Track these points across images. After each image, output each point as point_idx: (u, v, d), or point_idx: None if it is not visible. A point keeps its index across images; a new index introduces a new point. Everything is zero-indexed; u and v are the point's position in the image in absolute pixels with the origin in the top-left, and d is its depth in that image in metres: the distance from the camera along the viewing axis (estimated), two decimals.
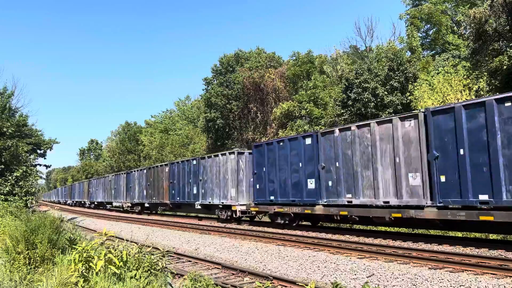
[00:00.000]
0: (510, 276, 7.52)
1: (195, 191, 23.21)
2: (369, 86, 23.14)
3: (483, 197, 10.04)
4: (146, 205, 30.06)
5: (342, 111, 24.69)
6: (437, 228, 12.83)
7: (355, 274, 8.54)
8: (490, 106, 10.06)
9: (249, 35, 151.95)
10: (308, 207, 15.22)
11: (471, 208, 10.35)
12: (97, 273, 5.94)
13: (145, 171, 30.95)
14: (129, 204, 33.25)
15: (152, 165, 30.78)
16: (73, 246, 7.10)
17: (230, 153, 20.69)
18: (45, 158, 40.58)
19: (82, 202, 52.82)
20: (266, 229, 17.10)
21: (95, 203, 45.43)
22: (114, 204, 37.59)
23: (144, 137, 56.74)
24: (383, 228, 15.03)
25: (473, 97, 19.41)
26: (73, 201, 60.51)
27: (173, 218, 26.92)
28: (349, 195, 13.88)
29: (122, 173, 36.34)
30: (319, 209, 14.76)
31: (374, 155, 13.02)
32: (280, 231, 16.17)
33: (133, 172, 33.32)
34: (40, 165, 35.47)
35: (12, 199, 22.34)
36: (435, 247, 10.86)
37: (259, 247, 12.41)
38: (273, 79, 35.57)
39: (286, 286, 7.89)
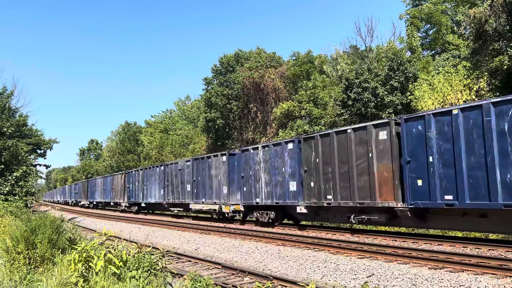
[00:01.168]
0: (510, 276, 7.51)
1: None
2: (369, 86, 23.14)
3: None
4: (301, 210, 15.56)
5: (342, 111, 24.69)
6: None
7: (355, 274, 8.54)
8: None
9: (249, 35, 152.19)
10: None
11: None
12: (97, 273, 5.94)
13: (289, 146, 16.22)
14: (241, 208, 19.03)
15: (323, 131, 16.69)
16: (73, 246, 7.11)
17: None
18: (45, 158, 40.46)
19: (112, 204, 37.93)
20: (266, 229, 16.30)
21: (142, 205, 30.70)
22: (196, 207, 22.49)
23: (144, 137, 56.75)
24: (383, 228, 15.02)
25: (474, 97, 19.42)
26: (91, 202, 46.31)
27: None
28: None
29: (216, 155, 21.32)
30: None
31: None
32: (280, 231, 16.14)
33: (251, 151, 18.64)
34: (40, 165, 35.66)
35: (12, 199, 22.42)
36: (435, 247, 10.86)
37: (259, 247, 12.40)
38: (273, 79, 35.59)
39: (286, 286, 7.89)
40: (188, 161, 24.22)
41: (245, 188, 18.89)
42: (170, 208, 26.28)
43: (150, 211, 31.96)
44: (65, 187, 72.85)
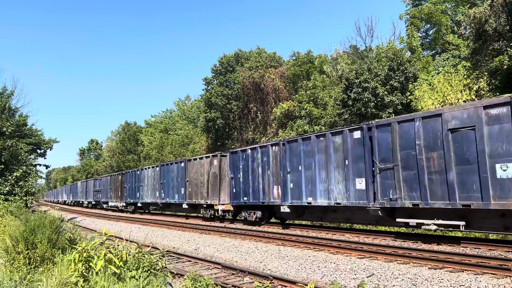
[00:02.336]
0: (510, 276, 7.51)
1: None
2: (369, 86, 23.14)
3: None
4: None
5: (342, 110, 24.69)
6: None
7: (355, 274, 8.54)
8: None
9: (249, 35, 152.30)
10: None
11: None
12: (97, 273, 5.93)
13: None
14: None
15: None
16: (73, 246, 7.11)
17: None
18: (45, 158, 40.29)
19: (186, 206, 23.46)
20: (267, 228, 16.27)
21: (284, 209, 15.86)
22: None
23: (144, 137, 56.70)
24: (383, 228, 15.02)
25: (473, 97, 19.43)
26: (131, 204, 32.30)
27: None
28: None
29: None
30: None
31: None
32: (280, 230, 16.13)
33: None
34: (40, 165, 35.67)
35: (12, 199, 22.43)
36: (435, 247, 10.85)
37: (259, 247, 12.40)
38: (273, 79, 35.58)
39: (286, 286, 7.89)
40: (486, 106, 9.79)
41: None
42: (398, 220, 11.98)
43: (303, 223, 17.55)
44: (77, 184, 56.16)
